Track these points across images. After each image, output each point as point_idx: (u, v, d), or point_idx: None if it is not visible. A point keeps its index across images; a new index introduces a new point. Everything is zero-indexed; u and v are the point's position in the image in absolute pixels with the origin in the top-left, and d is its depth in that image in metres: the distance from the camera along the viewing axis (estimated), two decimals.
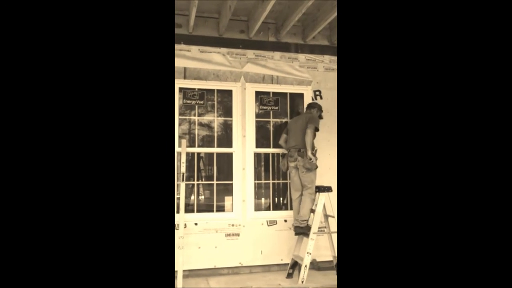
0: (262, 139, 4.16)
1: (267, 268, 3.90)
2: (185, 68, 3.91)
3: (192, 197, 4.42)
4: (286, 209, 4.13)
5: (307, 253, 3.41)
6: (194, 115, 4.04)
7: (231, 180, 3.97)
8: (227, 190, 4.04)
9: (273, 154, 4.18)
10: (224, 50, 4.02)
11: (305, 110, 4.00)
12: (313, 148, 3.61)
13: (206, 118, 4.14)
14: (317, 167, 3.59)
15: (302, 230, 3.56)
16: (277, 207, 4.22)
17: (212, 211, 3.95)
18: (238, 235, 3.86)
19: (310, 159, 3.52)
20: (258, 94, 4.12)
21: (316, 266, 3.88)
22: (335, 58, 4.27)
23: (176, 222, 3.67)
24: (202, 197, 4.91)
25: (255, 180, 4.03)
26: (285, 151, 3.88)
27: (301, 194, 3.65)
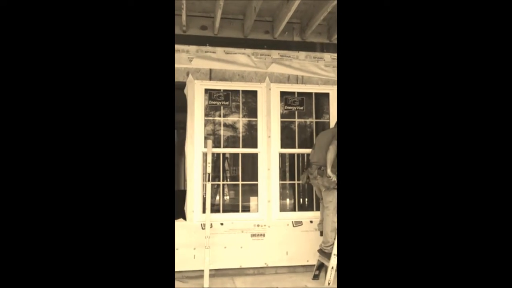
0: (286, 139, 4.14)
1: (292, 269, 3.88)
2: (210, 70, 3.95)
3: (217, 197, 4.46)
4: (312, 209, 4.09)
5: (333, 254, 3.37)
6: (219, 116, 4.08)
7: (256, 180, 3.98)
8: (252, 190, 4.05)
9: (298, 155, 4.16)
10: (249, 51, 4.04)
11: (335, 125, 3.85)
12: (334, 165, 3.35)
13: (230, 119, 4.17)
14: (336, 186, 3.36)
15: (326, 256, 3.45)
16: (302, 207, 4.19)
17: (238, 211, 3.96)
18: (264, 235, 3.86)
19: (329, 176, 3.33)
20: (283, 94, 4.10)
21: None
22: None
23: (202, 222, 3.71)
24: (227, 197, 4.94)
25: (280, 180, 4.02)
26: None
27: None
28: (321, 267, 3.62)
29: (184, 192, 3.93)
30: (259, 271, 3.85)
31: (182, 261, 3.65)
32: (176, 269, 3.64)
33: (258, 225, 3.87)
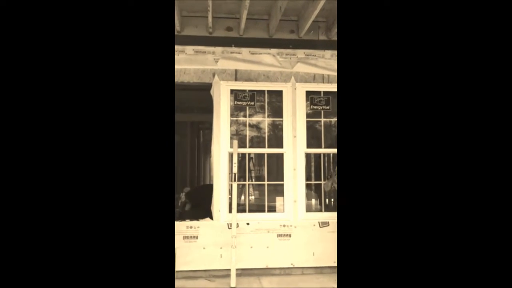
0: (312, 139, 4.11)
1: (319, 270, 3.85)
2: (236, 70, 3.98)
3: (243, 197, 4.48)
4: None
5: None
6: (244, 116, 4.09)
7: (282, 180, 3.97)
8: (277, 190, 4.04)
9: (324, 155, 4.12)
10: (274, 51, 4.03)
11: None
12: None
13: (255, 119, 4.18)
14: None
15: None
16: (328, 208, 4.14)
17: (263, 211, 3.97)
18: (290, 235, 3.84)
19: None
20: (308, 93, 4.07)
21: None
22: None
23: (228, 222, 3.74)
24: (253, 197, 4.96)
25: (306, 180, 3.99)
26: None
27: None
28: None
29: (210, 190, 3.97)
30: (286, 271, 3.84)
31: (209, 260, 3.69)
32: (203, 268, 3.70)
33: (284, 225, 3.86)
